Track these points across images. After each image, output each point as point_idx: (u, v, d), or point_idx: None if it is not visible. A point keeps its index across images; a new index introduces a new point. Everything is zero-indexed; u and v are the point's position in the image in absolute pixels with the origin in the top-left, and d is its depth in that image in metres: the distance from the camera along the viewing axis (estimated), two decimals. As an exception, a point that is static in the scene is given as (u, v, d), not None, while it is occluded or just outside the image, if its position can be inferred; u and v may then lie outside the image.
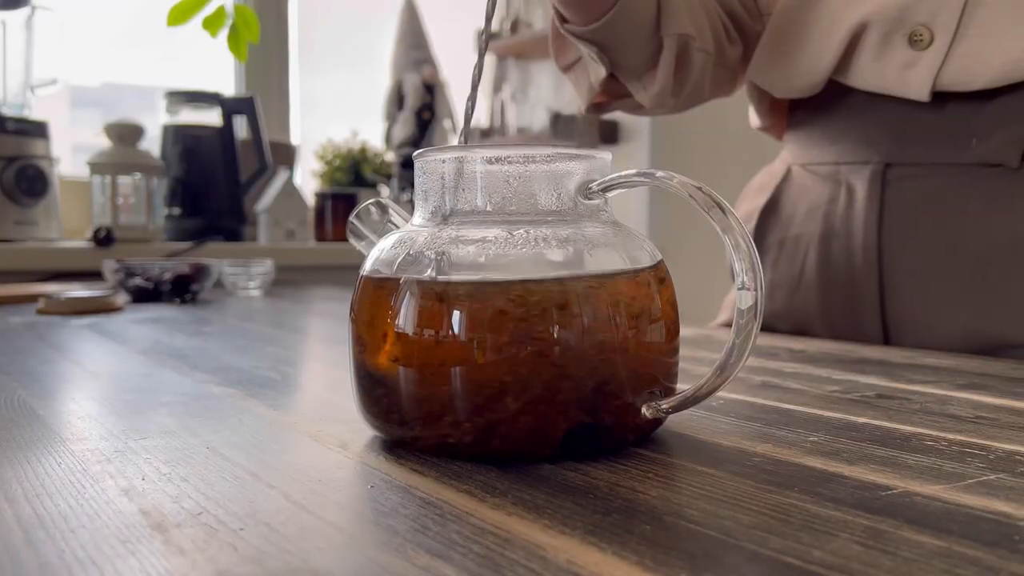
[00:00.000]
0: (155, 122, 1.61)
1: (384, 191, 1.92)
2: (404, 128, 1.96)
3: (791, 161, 0.72)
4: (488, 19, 0.38)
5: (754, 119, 0.78)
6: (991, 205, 0.58)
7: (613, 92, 0.70)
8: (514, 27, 2.32)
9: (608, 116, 2.18)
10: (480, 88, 0.36)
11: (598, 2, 0.60)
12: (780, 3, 0.67)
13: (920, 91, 0.59)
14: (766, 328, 0.70)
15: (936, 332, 0.61)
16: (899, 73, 0.59)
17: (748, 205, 0.74)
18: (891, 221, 0.62)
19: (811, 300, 0.68)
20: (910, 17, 0.58)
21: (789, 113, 0.73)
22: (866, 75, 0.61)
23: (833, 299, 0.66)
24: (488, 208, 0.32)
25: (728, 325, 0.75)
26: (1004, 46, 0.56)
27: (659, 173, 0.30)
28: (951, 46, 0.57)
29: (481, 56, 0.36)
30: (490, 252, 0.30)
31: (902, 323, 0.63)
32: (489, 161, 0.32)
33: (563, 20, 0.64)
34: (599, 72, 0.66)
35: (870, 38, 0.61)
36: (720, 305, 0.83)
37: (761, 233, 0.71)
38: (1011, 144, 0.57)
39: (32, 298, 0.94)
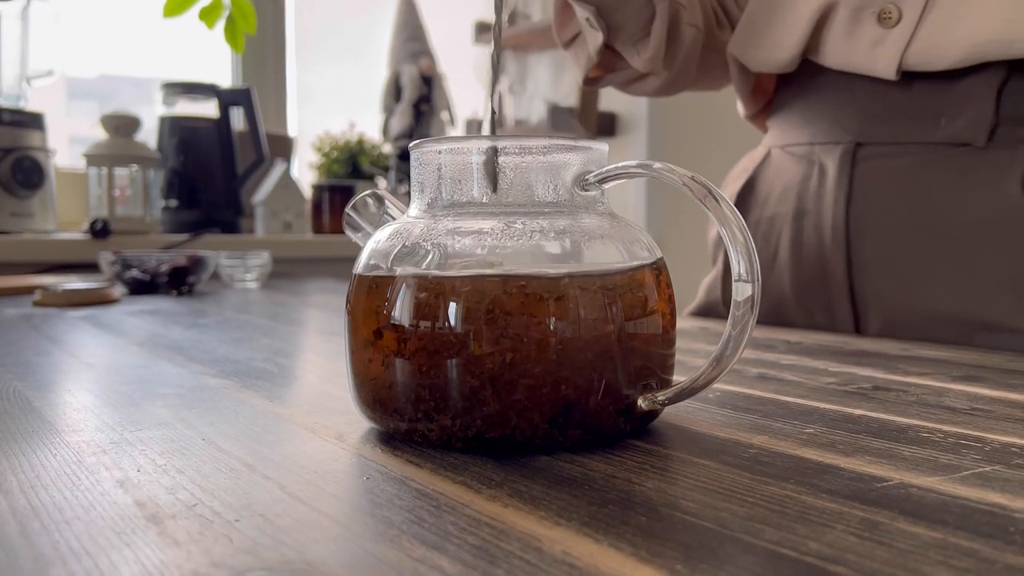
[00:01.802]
0: (152, 114, 1.61)
1: (381, 183, 1.91)
2: (401, 120, 1.96)
3: (771, 144, 0.73)
4: (498, 11, 0.38)
5: (740, 107, 0.79)
6: (957, 184, 0.59)
7: (609, 65, 0.73)
8: (512, 19, 2.32)
9: (606, 108, 2.18)
10: (478, 81, 0.36)
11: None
12: None
13: (887, 69, 0.60)
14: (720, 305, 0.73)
15: (903, 309, 0.62)
16: (868, 51, 0.61)
17: (729, 189, 0.76)
18: (859, 199, 0.63)
19: (784, 279, 0.69)
20: None
21: (772, 98, 0.75)
22: (837, 53, 0.63)
23: (805, 277, 0.68)
24: (484, 200, 0.32)
25: (700, 312, 0.77)
26: (969, 27, 0.56)
27: (656, 164, 0.30)
28: (918, 24, 0.58)
29: (497, 46, 0.36)
30: (487, 243, 0.30)
31: (870, 300, 0.64)
32: (486, 152, 0.32)
33: None
34: (596, 39, 0.68)
35: (840, 15, 0.62)
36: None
37: None
38: (978, 124, 0.58)
39: (28, 290, 0.94)
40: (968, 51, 0.56)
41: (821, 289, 0.66)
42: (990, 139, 0.58)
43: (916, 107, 0.61)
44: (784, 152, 0.71)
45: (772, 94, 0.75)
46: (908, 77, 0.60)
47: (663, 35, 0.67)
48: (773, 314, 0.70)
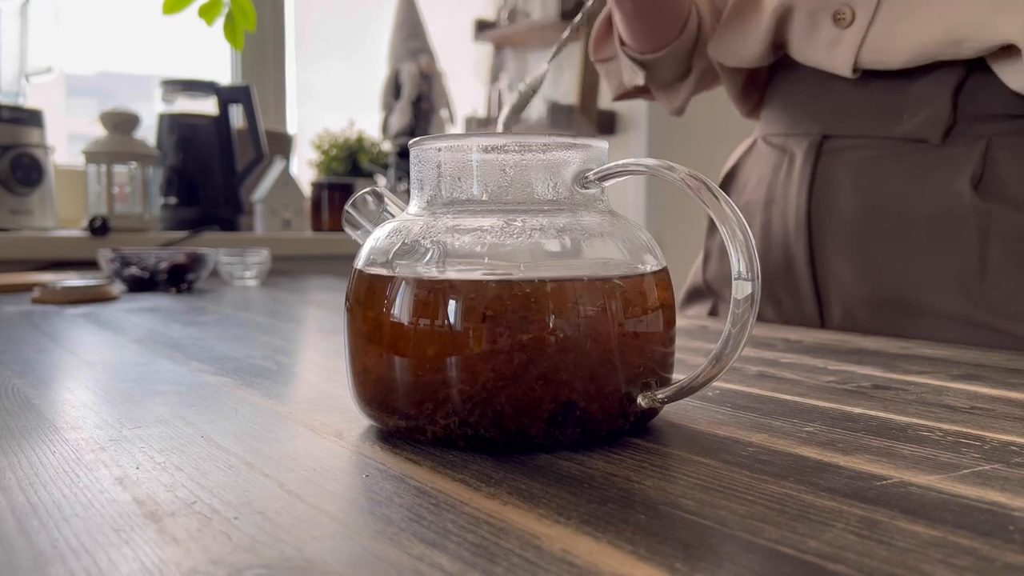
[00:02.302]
0: (151, 111, 1.61)
1: (381, 181, 1.91)
2: (401, 118, 1.96)
3: (757, 134, 0.76)
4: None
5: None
6: (912, 178, 0.61)
7: (639, 89, 0.80)
8: (512, 16, 2.31)
9: (606, 107, 2.18)
10: (478, 78, 0.36)
11: (660, 39, 0.71)
12: None
13: (844, 68, 0.62)
14: (704, 288, 0.77)
15: (861, 297, 0.64)
16: (826, 50, 0.63)
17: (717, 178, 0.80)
18: (820, 189, 0.66)
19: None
20: None
21: (764, 93, 0.79)
22: (802, 50, 0.66)
23: (772, 263, 0.69)
24: (484, 197, 0.32)
25: (686, 299, 0.81)
26: (916, 29, 0.59)
27: (656, 162, 0.30)
28: (870, 25, 0.61)
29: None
30: (486, 241, 0.30)
31: (831, 286, 0.66)
32: (485, 150, 0.32)
33: (622, 43, 0.74)
34: (636, 79, 0.76)
35: (799, 15, 0.65)
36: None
37: None
38: (934, 121, 0.60)
39: (27, 287, 0.94)
40: (916, 51, 0.58)
41: (787, 276, 0.68)
42: (947, 136, 0.60)
43: (879, 103, 0.63)
44: (765, 142, 0.73)
45: (764, 90, 0.77)
46: (870, 75, 0.62)
47: (692, 88, 0.76)
48: None
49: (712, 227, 0.78)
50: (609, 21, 0.76)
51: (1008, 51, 0.56)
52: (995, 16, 0.55)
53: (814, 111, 0.67)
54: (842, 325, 0.66)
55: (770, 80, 0.74)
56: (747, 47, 0.69)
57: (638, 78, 0.75)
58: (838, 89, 0.65)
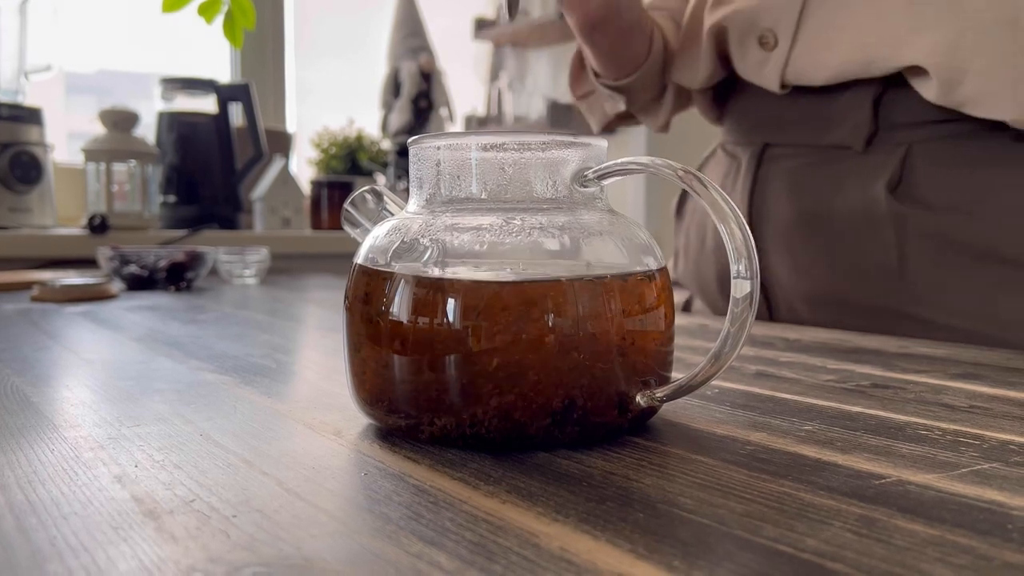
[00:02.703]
0: (150, 109, 1.61)
1: (380, 179, 1.91)
2: (400, 116, 1.96)
3: (717, 142, 0.82)
4: None
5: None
6: (836, 183, 0.66)
7: (621, 116, 0.84)
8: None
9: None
10: (478, 77, 0.36)
11: (629, 64, 0.74)
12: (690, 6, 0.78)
13: (772, 85, 0.68)
14: (676, 285, 0.82)
15: (799, 292, 0.69)
16: (757, 69, 0.69)
17: None
18: (760, 194, 0.72)
19: (710, 264, 0.76)
20: (759, 22, 0.68)
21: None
22: (741, 68, 0.71)
23: (724, 263, 0.73)
24: (483, 196, 0.32)
25: None
26: (833, 52, 0.64)
27: (655, 161, 0.30)
28: (791, 48, 0.66)
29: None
30: (486, 239, 0.30)
31: (774, 285, 0.71)
32: (484, 148, 0.32)
33: (596, 75, 0.78)
34: (617, 106, 0.80)
35: (732, 36, 0.70)
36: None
37: (681, 203, 0.83)
38: (857, 131, 0.65)
39: (26, 285, 0.94)
40: (835, 71, 0.64)
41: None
42: (869, 144, 0.65)
43: (810, 115, 0.68)
44: (722, 149, 0.79)
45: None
46: (801, 89, 0.67)
47: (672, 105, 0.80)
48: (702, 294, 0.78)
49: (679, 227, 0.83)
50: (580, 58, 0.80)
51: (919, 68, 0.60)
52: (902, 40, 0.60)
53: (758, 122, 0.73)
54: (787, 319, 0.71)
55: (728, 94, 0.79)
56: (698, 69, 0.75)
57: (619, 104, 0.80)
58: (776, 103, 0.70)
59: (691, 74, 0.76)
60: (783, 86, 0.67)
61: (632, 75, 0.75)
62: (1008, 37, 0.57)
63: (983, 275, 0.60)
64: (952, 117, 0.60)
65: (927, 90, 0.60)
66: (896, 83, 0.62)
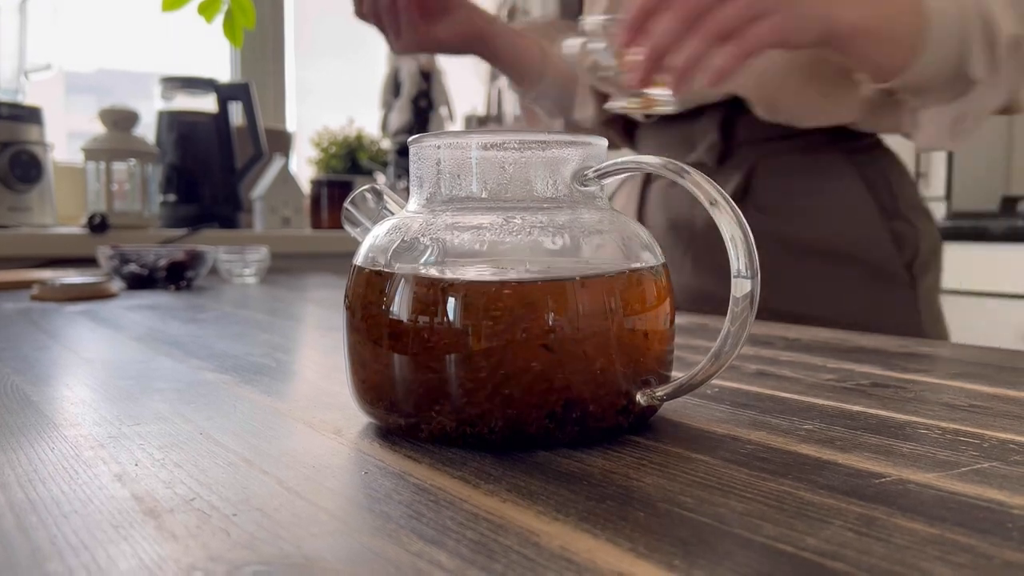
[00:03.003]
0: (150, 108, 1.61)
1: (380, 178, 1.91)
2: (400, 116, 1.95)
3: None
4: None
5: None
6: (693, 197, 0.73)
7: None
8: (511, 15, 2.31)
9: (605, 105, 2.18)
10: (477, 77, 0.36)
11: (529, 78, 0.88)
12: None
13: (638, 116, 0.83)
14: None
15: (681, 293, 0.80)
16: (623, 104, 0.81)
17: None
18: (644, 208, 0.88)
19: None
20: None
21: None
22: (611, 105, 0.80)
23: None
24: (483, 195, 0.32)
25: None
26: None
27: (655, 160, 0.30)
28: None
29: None
30: (486, 238, 0.30)
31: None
32: (485, 147, 0.32)
33: (532, 96, 0.91)
34: (553, 127, 0.94)
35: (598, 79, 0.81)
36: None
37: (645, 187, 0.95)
38: (711, 150, 0.80)
39: (26, 284, 0.94)
40: (681, 100, 0.73)
41: None
42: (722, 161, 0.80)
43: (678, 138, 0.83)
44: None
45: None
46: (670, 117, 0.79)
47: (588, 101, 0.90)
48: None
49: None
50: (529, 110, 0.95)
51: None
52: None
53: (648, 145, 0.89)
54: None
55: (635, 123, 0.92)
56: (587, 106, 0.88)
57: (554, 123, 0.93)
58: (657, 129, 0.86)
59: (583, 111, 0.89)
60: (647, 116, 0.82)
61: (535, 87, 0.87)
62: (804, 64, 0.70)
63: (808, 267, 0.76)
64: (791, 132, 0.74)
65: (758, 111, 0.73)
66: (739, 109, 0.75)
